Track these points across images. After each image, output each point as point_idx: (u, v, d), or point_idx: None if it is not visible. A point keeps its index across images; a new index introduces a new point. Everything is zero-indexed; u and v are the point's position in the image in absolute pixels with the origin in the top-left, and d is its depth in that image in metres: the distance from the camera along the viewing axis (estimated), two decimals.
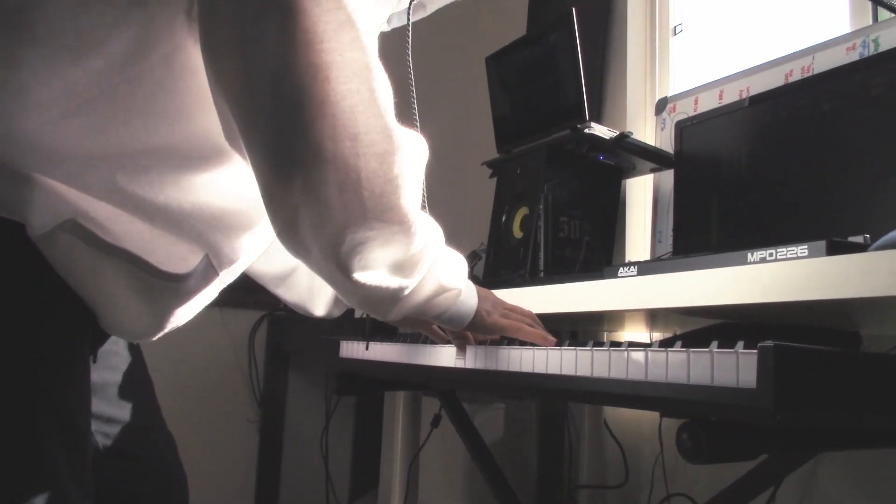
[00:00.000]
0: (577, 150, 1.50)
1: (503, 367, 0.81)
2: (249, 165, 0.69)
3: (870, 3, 1.42)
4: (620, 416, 1.68)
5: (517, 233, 1.50)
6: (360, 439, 2.43)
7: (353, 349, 1.16)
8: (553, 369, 0.73)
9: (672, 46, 1.87)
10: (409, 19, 0.92)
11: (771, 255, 0.75)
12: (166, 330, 0.81)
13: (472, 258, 1.72)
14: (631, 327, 1.30)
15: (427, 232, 0.75)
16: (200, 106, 0.71)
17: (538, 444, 1.77)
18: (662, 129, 1.62)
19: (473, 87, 2.08)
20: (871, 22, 1.40)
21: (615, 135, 1.44)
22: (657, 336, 1.35)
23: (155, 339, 0.82)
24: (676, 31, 1.87)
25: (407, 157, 0.68)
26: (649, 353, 0.62)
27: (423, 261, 0.75)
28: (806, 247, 0.73)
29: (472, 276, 1.68)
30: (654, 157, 1.51)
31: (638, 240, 1.75)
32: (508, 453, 1.75)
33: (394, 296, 0.75)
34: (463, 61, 2.31)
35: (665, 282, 0.85)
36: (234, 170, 0.77)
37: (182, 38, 0.69)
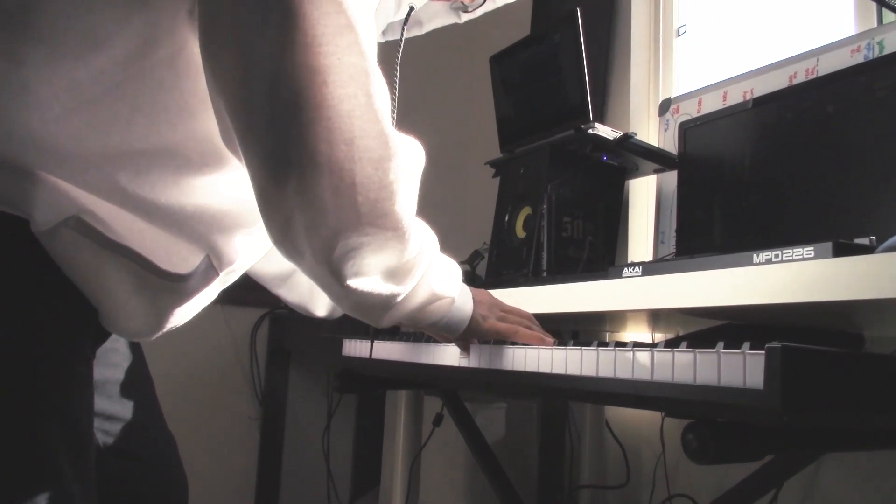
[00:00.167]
0: (580, 151, 1.50)
1: (507, 366, 0.81)
2: (245, 167, 0.68)
3: (874, 6, 1.42)
4: (622, 417, 1.68)
5: (520, 232, 1.50)
6: (361, 438, 2.43)
7: (355, 348, 1.16)
8: (558, 369, 0.73)
9: (676, 47, 1.87)
10: (402, 35, 0.92)
11: (777, 256, 0.75)
12: (165, 329, 0.81)
13: (475, 258, 1.72)
14: (633, 328, 1.30)
15: (421, 239, 0.74)
16: (203, 106, 0.71)
17: (539, 444, 1.77)
18: (666, 130, 1.62)
19: (477, 86, 2.08)
20: (875, 24, 1.40)
21: (619, 135, 1.44)
22: (659, 337, 1.35)
23: (153, 338, 0.82)
24: (680, 32, 1.87)
25: (403, 164, 0.68)
26: (655, 353, 0.62)
27: (416, 268, 0.75)
28: (812, 248, 0.73)
29: (474, 276, 1.69)
30: (657, 158, 1.51)
31: (640, 240, 1.76)
32: (509, 453, 1.75)
33: (386, 302, 0.75)
34: (466, 61, 2.32)
35: (670, 282, 0.85)
36: (235, 172, 0.76)
37: (185, 37, 0.69)
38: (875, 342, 0.98)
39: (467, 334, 0.85)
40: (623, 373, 0.66)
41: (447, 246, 0.83)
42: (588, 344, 0.71)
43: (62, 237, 0.68)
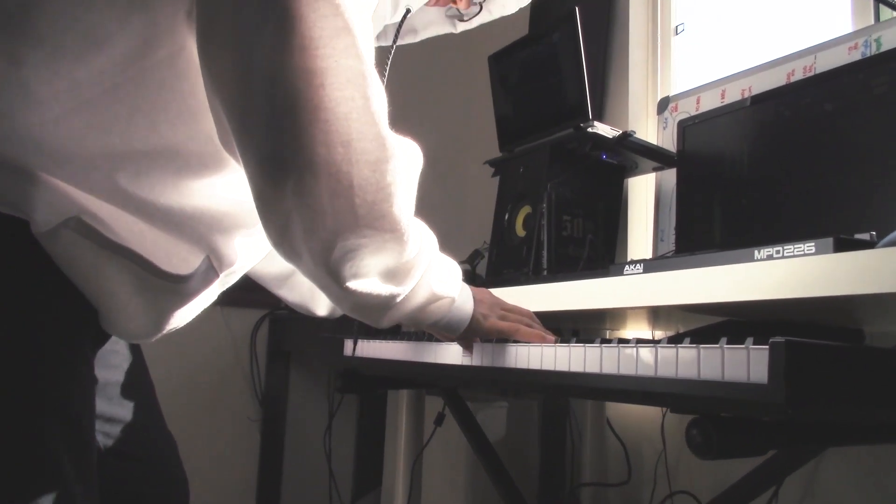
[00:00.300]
0: (579, 149, 1.50)
1: (511, 364, 0.81)
2: (242, 168, 0.68)
3: (871, 3, 1.42)
4: (623, 414, 1.68)
5: (520, 231, 1.50)
6: (362, 438, 2.43)
7: (357, 347, 1.16)
8: (561, 366, 0.73)
9: (674, 46, 1.87)
10: (394, 41, 0.92)
11: (778, 252, 0.76)
12: (165, 331, 0.81)
13: (475, 257, 1.72)
14: (633, 325, 1.30)
15: (420, 240, 0.74)
16: (203, 107, 0.71)
17: (540, 442, 1.77)
18: (664, 129, 1.63)
19: (476, 86, 2.09)
20: (872, 21, 1.40)
21: (618, 134, 1.45)
22: (659, 334, 1.35)
23: (153, 340, 0.82)
24: (678, 31, 1.87)
25: (400, 165, 0.68)
26: (659, 349, 0.63)
27: (415, 269, 0.75)
28: (813, 244, 0.73)
29: (475, 276, 1.69)
30: (656, 156, 1.51)
31: (640, 239, 1.76)
32: (510, 452, 1.75)
33: (385, 303, 0.75)
34: (465, 60, 2.32)
35: (671, 279, 0.85)
36: (235, 174, 0.76)
37: (184, 38, 0.69)
38: (875, 338, 0.98)
39: (468, 333, 0.85)
40: (627, 369, 0.66)
41: (447, 245, 0.83)
42: (591, 341, 0.71)
43: (62, 238, 0.68)
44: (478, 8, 1.01)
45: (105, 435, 0.91)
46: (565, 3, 1.98)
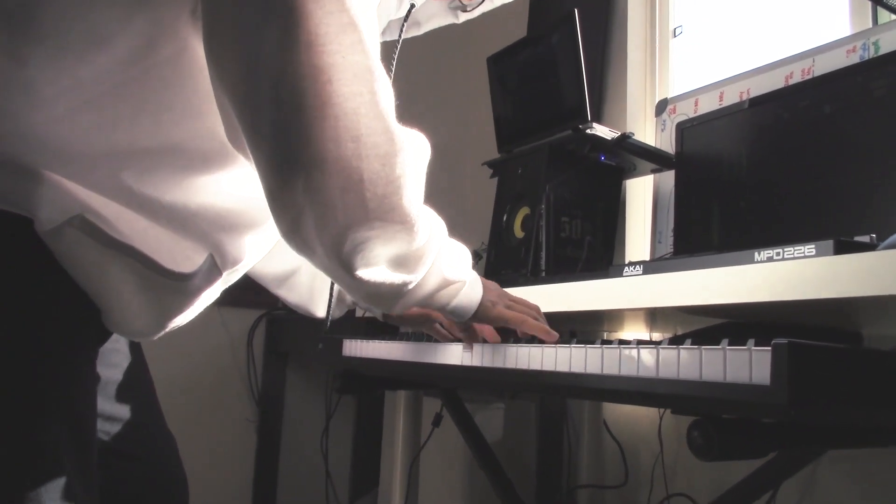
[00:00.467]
0: (578, 151, 1.50)
1: (511, 364, 0.81)
2: (253, 166, 0.69)
3: (870, 7, 1.43)
4: (620, 416, 1.68)
5: (518, 232, 1.50)
6: (360, 439, 2.42)
7: (356, 348, 1.16)
8: (562, 367, 0.73)
9: (672, 48, 1.87)
10: (400, 35, 0.92)
11: (778, 254, 0.76)
12: (168, 329, 0.81)
13: (474, 258, 1.72)
14: (631, 327, 1.30)
15: (430, 227, 0.75)
16: (207, 105, 0.71)
17: (538, 443, 1.77)
18: (662, 131, 1.63)
19: (474, 87, 2.09)
20: (871, 24, 1.41)
21: (617, 135, 1.45)
22: (657, 336, 1.35)
23: (156, 338, 0.82)
24: (676, 33, 1.88)
25: (409, 158, 0.68)
26: (660, 350, 0.63)
27: (425, 256, 0.76)
28: (813, 246, 0.73)
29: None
30: (654, 158, 1.51)
31: (637, 240, 1.76)
32: (507, 454, 1.75)
33: (398, 291, 0.76)
34: (464, 61, 2.32)
35: (671, 281, 0.85)
36: (239, 171, 0.77)
37: (188, 37, 0.69)
38: (873, 340, 0.99)
39: (475, 319, 0.87)
40: (628, 370, 0.66)
41: None
42: (591, 342, 0.71)
43: (66, 237, 0.68)
44: None
45: (105, 434, 0.91)
46: (564, 5, 1.98)
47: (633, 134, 1.47)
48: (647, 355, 0.64)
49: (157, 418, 1.03)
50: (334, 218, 0.66)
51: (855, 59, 1.26)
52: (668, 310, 0.90)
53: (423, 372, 0.99)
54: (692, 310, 0.87)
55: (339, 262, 0.69)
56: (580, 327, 1.36)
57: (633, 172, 1.60)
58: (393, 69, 0.88)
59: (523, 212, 1.50)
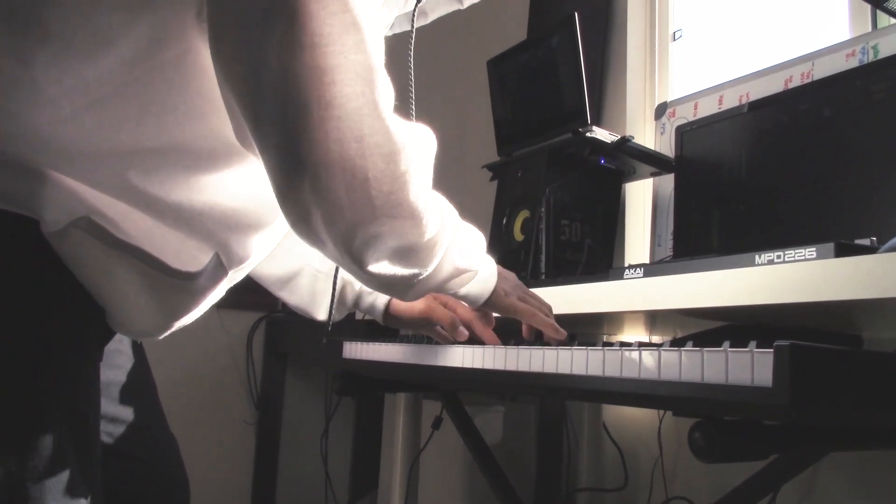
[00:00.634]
0: (578, 154, 1.50)
1: (511, 366, 0.81)
2: (256, 162, 0.69)
3: (869, 11, 1.43)
4: (619, 419, 1.68)
5: (518, 235, 1.50)
6: (359, 441, 2.42)
7: (356, 350, 1.16)
8: (563, 369, 0.73)
9: (672, 52, 1.88)
10: (412, 25, 0.92)
11: (779, 257, 0.76)
12: (173, 329, 0.81)
13: None
14: (631, 330, 1.30)
15: (440, 218, 0.76)
16: (212, 106, 0.72)
17: (537, 446, 1.77)
18: (662, 134, 1.63)
19: (474, 90, 2.09)
20: (870, 28, 1.41)
21: (616, 139, 1.45)
22: (657, 339, 1.35)
23: (160, 338, 0.82)
24: (676, 37, 1.88)
25: (413, 153, 0.69)
26: (662, 352, 0.63)
27: (437, 246, 0.77)
28: (814, 249, 0.73)
29: None
30: (654, 162, 1.52)
31: (637, 243, 1.76)
32: (507, 456, 1.75)
33: (409, 281, 0.77)
34: (464, 64, 2.32)
35: (673, 283, 0.85)
36: (245, 170, 0.77)
37: (193, 38, 0.69)
38: (873, 343, 0.99)
39: (487, 306, 0.88)
40: (629, 372, 0.66)
41: None
42: (592, 344, 0.71)
43: (72, 238, 0.68)
44: None
45: (108, 435, 0.92)
46: (564, 8, 1.99)
47: (633, 137, 1.47)
48: (648, 357, 0.64)
49: (160, 419, 1.03)
50: (342, 216, 0.66)
51: (854, 62, 1.27)
52: (669, 312, 0.90)
53: (423, 374, 1.00)
54: (692, 312, 0.87)
55: (350, 258, 0.70)
56: (580, 331, 1.36)
57: (632, 176, 1.60)
58: (411, 60, 0.89)
59: (523, 215, 1.51)
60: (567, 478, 1.76)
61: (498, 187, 1.63)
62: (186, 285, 0.76)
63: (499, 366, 0.83)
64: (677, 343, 0.63)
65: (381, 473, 2.06)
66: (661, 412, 1.50)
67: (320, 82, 0.63)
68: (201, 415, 2.20)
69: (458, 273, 0.82)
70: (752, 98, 1.39)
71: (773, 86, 1.39)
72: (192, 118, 0.72)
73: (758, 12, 1.73)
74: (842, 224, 1.11)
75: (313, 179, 0.64)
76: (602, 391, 0.70)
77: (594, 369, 0.70)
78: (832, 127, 1.16)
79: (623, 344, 0.68)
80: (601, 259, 1.52)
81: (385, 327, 1.16)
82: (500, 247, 1.54)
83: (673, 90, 1.86)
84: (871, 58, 1.25)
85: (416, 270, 0.76)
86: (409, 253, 0.74)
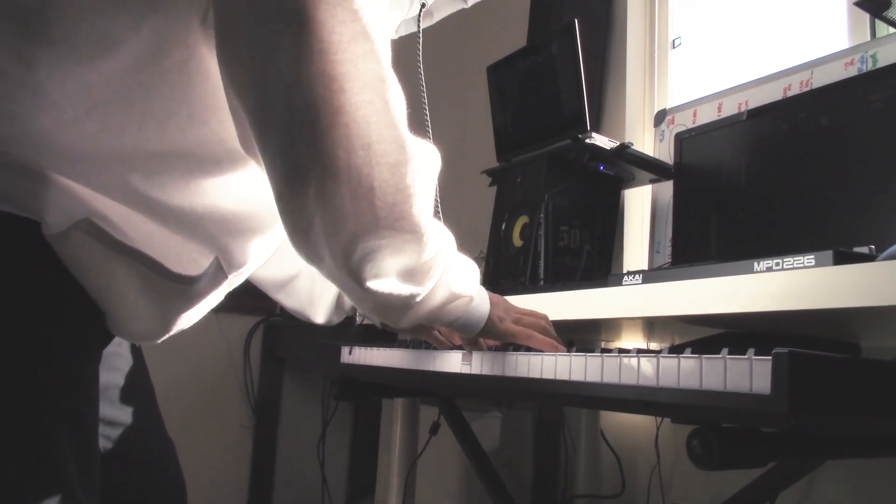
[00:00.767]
0: (577, 160, 1.51)
1: (510, 372, 0.81)
2: (265, 172, 0.69)
3: (868, 20, 1.44)
4: (617, 426, 1.68)
5: (517, 241, 1.50)
6: (356, 446, 2.42)
7: (354, 354, 1.16)
8: (562, 375, 0.73)
9: (671, 59, 1.88)
10: (419, 27, 0.92)
11: (778, 264, 0.76)
12: (172, 332, 0.81)
13: None
14: (629, 336, 1.30)
15: (439, 240, 0.75)
16: (214, 111, 0.72)
17: (534, 453, 1.77)
18: (661, 141, 1.63)
19: (474, 96, 2.10)
20: (869, 38, 1.42)
21: (616, 145, 1.45)
22: (654, 346, 1.35)
23: (159, 341, 0.82)
24: (675, 45, 1.89)
25: (419, 167, 0.68)
26: (660, 359, 0.63)
27: (434, 268, 0.75)
28: (813, 257, 0.73)
29: None
30: (653, 168, 1.52)
31: (635, 250, 1.76)
32: (504, 462, 1.75)
33: (405, 303, 0.76)
34: (464, 70, 2.33)
35: (672, 290, 0.85)
36: (246, 174, 0.77)
37: (197, 44, 0.70)
38: (871, 352, 0.99)
39: (483, 334, 0.86)
40: (628, 379, 0.66)
41: None
42: (591, 351, 0.71)
43: (73, 240, 0.69)
44: None
45: (106, 438, 0.91)
46: (564, 15, 1.99)
47: (632, 144, 1.47)
48: (646, 364, 0.64)
49: (157, 423, 1.03)
50: (344, 226, 0.66)
51: (853, 71, 1.27)
52: (667, 319, 0.90)
53: (421, 379, 0.99)
54: (691, 319, 0.87)
55: (348, 272, 0.69)
56: (578, 337, 1.36)
57: (631, 182, 1.60)
58: (420, 60, 0.88)
59: (522, 220, 1.51)
60: (564, 484, 1.75)
61: (497, 193, 1.63)
62: (186, 289, 0.76)
63: (497, 372, 0.83)
64: (676, 350, 0.63)
65: (378, 479, 2.05)
66: (659, 419, 1.50)
67: (329, 89, 0.63)
68: (199, 418, 2.20)
69: (454, 298, 0.80)
70: (751, 106, 1.39)
71: (772, 94, 1.39)
72: (194, 123, 0.72)
73: (757, 20, 1.73)
74: (840, 232, 1.12)
75: (319, 187, 0.64)
76: (600, 398, 0.70)
77: (592, 376, 0.70)
78: (831, 135, 1.16)
79: (621, 350, 0.69)
80: (600, 265, 1.52)
81: (383, 332, 1.16)
82: (499, 252, 1.54)
83: (672, 97, 1.86)
84: (869, 66, 1.26)
85: (413, 291, 0.75)
86: (407, 271, 0.72)
